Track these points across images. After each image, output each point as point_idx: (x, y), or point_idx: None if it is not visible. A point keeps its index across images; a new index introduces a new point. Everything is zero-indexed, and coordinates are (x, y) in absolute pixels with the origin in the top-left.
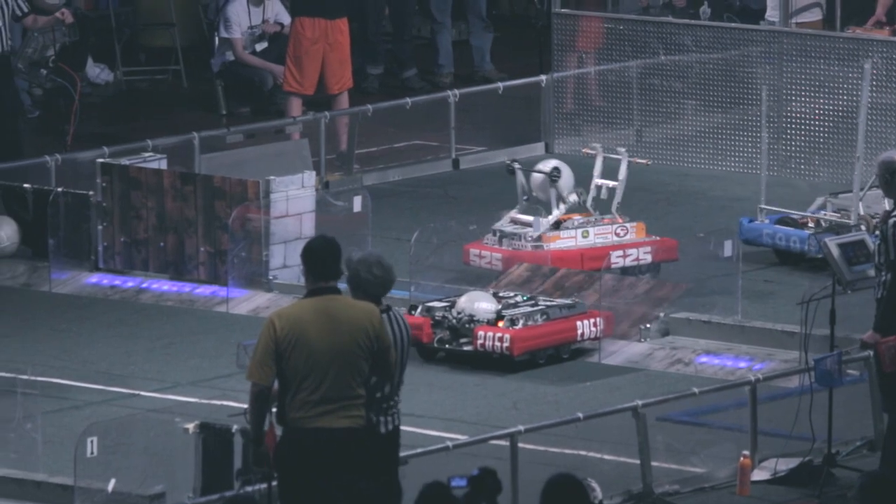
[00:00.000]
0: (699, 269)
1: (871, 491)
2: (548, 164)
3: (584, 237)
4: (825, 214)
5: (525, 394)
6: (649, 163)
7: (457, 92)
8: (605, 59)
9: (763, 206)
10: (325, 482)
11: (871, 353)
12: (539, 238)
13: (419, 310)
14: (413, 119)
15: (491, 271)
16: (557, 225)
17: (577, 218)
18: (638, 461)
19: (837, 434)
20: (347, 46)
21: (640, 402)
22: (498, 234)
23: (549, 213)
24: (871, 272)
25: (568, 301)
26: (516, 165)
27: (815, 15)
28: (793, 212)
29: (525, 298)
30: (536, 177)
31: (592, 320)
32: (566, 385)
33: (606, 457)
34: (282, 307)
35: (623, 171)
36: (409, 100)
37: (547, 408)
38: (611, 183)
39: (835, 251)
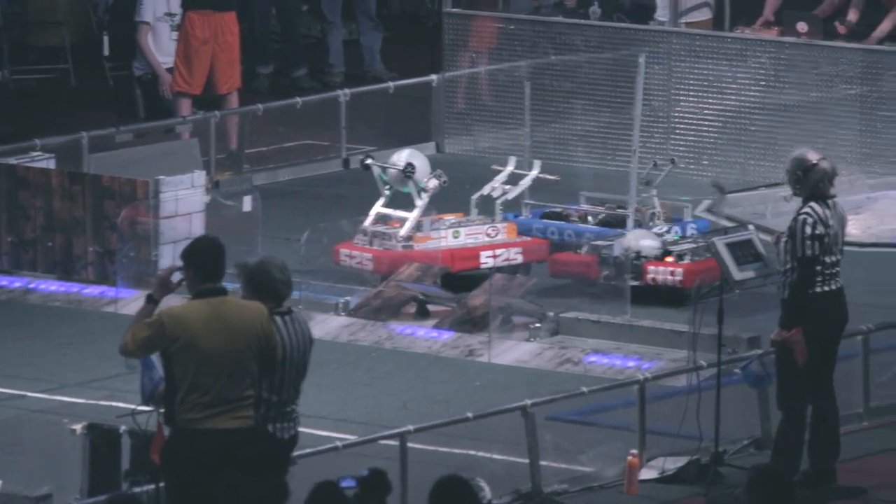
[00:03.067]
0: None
1: (760, 485)
2: (401, 157)
3: (454, 237)
4: (585, 207)
5: (414, 393)
6: (559, 179)
7: (347, 91)
8: (496, 58)
9: (527, 201)
10: (213, 482)
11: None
12: (409, 238)
13: (585, 248)
14: (303, 118)
15: (362, 271)
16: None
17: (448, 218)
18: (527, 460)
19: (724, 433)
20: (237, 47)
21: (529, 402)
22: (369, 234)
23: (413, 205)
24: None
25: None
26: (370, 160)
27: (705, 14)
28: (555, 205)
29: (678, 236)
30: (392, 172)
31: None
32: (455, 384)
33: (496, 456)
34: (172, 306)
35: (527, 180)
36: (299, 99)
37: (436, 407)
38: (506, 186)
39: (723, 251)
